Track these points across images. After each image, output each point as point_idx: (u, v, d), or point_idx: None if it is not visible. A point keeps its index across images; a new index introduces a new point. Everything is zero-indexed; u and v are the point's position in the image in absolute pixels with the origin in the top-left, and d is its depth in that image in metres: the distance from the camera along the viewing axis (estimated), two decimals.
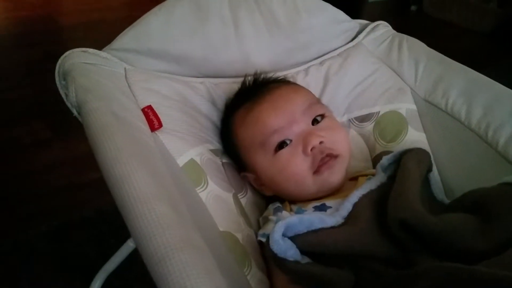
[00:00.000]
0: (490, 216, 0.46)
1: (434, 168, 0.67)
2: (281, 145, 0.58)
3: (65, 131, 1.46)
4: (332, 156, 0.58)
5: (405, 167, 0.54)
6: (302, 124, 0.59)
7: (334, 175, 0.58)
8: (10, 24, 2.27)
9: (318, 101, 0.65)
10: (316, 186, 0.58)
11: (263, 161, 0.59)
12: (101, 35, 2.21)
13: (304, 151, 0.57)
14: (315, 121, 0.60)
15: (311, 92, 0.68)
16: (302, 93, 0.64)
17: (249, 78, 0.68)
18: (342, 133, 0.63)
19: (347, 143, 0.62)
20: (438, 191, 0.59)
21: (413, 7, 3.14)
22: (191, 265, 0.34)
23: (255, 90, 0.64)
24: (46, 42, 2.10)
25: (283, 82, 0.68)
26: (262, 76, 0.68)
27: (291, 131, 0.58)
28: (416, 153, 0.58)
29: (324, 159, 0.57)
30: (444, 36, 2.73)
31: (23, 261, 1.02)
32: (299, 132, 0.58)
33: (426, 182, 0.58)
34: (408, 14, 3.13)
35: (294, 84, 0.69)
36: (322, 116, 0.61)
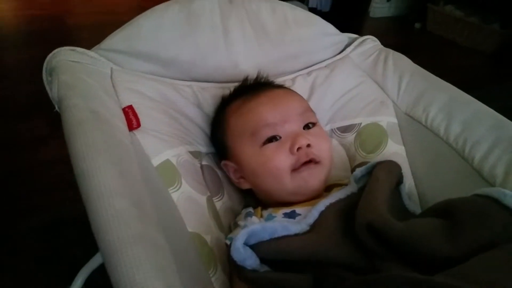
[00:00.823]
0: (457, 223, 0.46)
1: (410, 180, 0.68)
2: (270, 139, 0.60)
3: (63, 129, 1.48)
4: (314, 161, 0.59)
5: (375, 177, 0.55)
6: (294, 126, 0.61)
7: (313, 178, 0.59)
8: (19, 22, 2.31)
9: (312, 110, 0.67)
10: (293, 185, 0.58)
11: (249, 151, 0.61)
12: (105, 37, 2.25)
13: (291, 149, 0.58)
14: (306, 127, 0.62)
15: (306, 101, 0.70)
16: (299, 99, 0.67)
17: (250, 78, 0.71)
18: (328, 144, 0.65)
19: (330, 154, 0.64)
20: (410, 202, 0.60)
21: (417, 25, 3.16)
22: (143, 260, 0.34)
23: (255, 86, 0.67)
24: (53, 41, 2.14)
25: (282, 86, 0.71)
26: (263, 78, 0.71)
27: (283, 129, 0.60)
28: (387, 164, 0.59)
29: (306, 162, 0.59)
30: (447, 55, 2.74)
31: (9, 255, 1.03)
32: (290, 132, 0.60)
33: (397, 193, 0.59)
34: (411, 31, 3.14)
35: (292, 90, 0.71)
36: (314, 124, 0.63)
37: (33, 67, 1.83)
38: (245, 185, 0.64)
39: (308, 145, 0.59)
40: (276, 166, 0.58)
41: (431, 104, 0.70)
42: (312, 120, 0.63)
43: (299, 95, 0.69)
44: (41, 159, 1.37)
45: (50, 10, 2.51)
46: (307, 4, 2.72)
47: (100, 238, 0.37)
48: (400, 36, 3.03)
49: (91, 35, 2.26)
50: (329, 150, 0.63)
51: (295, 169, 0.58)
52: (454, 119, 0.67)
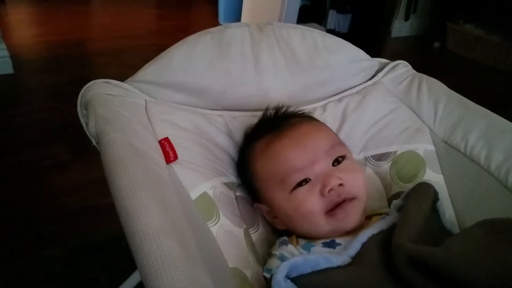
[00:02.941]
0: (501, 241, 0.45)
1: (450, 210, 0.66)
2: (300, 183, 0.57)
3: (86, 155, 1.49)
4: (348, 199, 0.57)
5: (405, 207, 0.55)
6: (323, 164, 0.58)
7: (349, 217, 0.57)
8: (41, 48, 2.37)
9: (339, 141, 0.65)
10: (330, 227, 0.57)
11: (280, 197, 0.59)
12: (126, 61, 2.30)
13: (322, 192, 0.56)
14: (336, 162, 0.60)
15: (332, 131, 0.67)
16: (325, 132, 0.64)
17: (270, 110, 0.68)
18: (361, 176, 0.62)
19: (364, 186, 0.61)
20: (447, 220, 0.59)
21: (436, 44, 3.15)
22: None
23: (277, 122, 0.64)
24: (74, 66, 2.19)
25: (305, 118, 0.68)
26: (284, 108, 0.69)
27: (312, 171, 0.57)
28: (417, 188, 0.59)
29: (339, 202, 0.56)
30: (467, 74, 2.72)
31: (36, 283, 1.02)
32: (319, 172, 0.57)
33: (434, 214, 0.58)
34: (431, 51, 3.13)
35: (316, 121, 0.68)
36: (343, 157, 0.60)
37: (55, 92, 1.89)
38: (280, 226, 0.62)
39: (340, 184, 0.56)
40: (309, 210, 0.56)
41: (470, 132, 0.68)
42: (341, 154, 0.60)
43: (324, 127, 0.66)
44: (63, 184, 1.38)
45: (71, 36, 2.57)
46: (325, 26, 2.74)
47: (148, 282, 0.35)
48: (419, 56, 3.02)
49: (111, 59, 2.30)
50: (363, 181, 0.61)
51: (330, 213, 0.56)
52: (495, 147, 0.65)
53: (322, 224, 0.56)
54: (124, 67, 2.23)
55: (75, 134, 1.55)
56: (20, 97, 1.86)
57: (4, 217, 1.23)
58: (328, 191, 0.56)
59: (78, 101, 0.60)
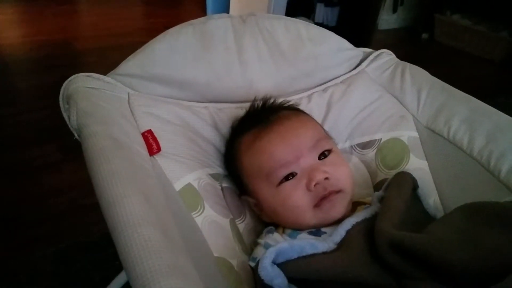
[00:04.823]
0: (481, 225, 0.46)
1: (435, 195, 0.67)
2: (287, 177, 0.57)
3: (75, 155, 1.48)
4: (335, 192, 0.57)
5: (386, 196, 0.56)
6: (309, 159, 0.58)
7: (335, 209, 0.57)
8: (28, 48, 2.35)
9: (325, 135, 0.65)
10: (316, 219, 0.57)
11: (266, 191, 0.59)
12: (114, 60, 2.27)
13: (308, 186, 0.56)
14: (322, 155, 0.60)
15: (319, 125, 0.67)
16: (311, 127, 0.63)
17: (258, 102, 0.68)
18: (347, 169, 0.62)
19: (350, 179, 0.61)
20: (430, 205, 0.61)
21: (424, 35, 3.17)
22: None
23: (264, 115, 0.64)
24: (62, 66, 2.17)
25: (292, 111, 0.67)
26: (271, 100, 0.69)
27: (298, 165, 0.57)
28: (396, 178, 0.60)
29: (325, 195, 0.56)
30: (456, 64, 2.73)
31: (28, 283, 1.02)
32: (305, 167, 0.57)
33: (415, 200, 0.59)
34: (419, 42, 3.15)
35: (303, 114, 0.68)
36: (329, 151, 0.60)
37: (43, 92, 1.88)
38: (267, 219, 0.63)
39: (326, 178, 0.56)
40: (295, 204, 0.57)
41: (453, 117, 0.69)
42: (327, 147, 0.60)
43: (310, 121, 0.66)
44: (53, 184, 1.37)
45: (58, 35, 2.55)
46: (313, 19, 2.74)
47: (130, 270, 0.35)
48: (408, 47, 3.03)
49: (99, 58, 2.28)
50: (349, 174, 0.61)
51: (316, 205, 0.56)
52: (477, 131, 0.66)
53: (309, 217, 0.57)
54: (113, 65, 2.18)
55: (64, 134, 1.52)
56: (8, 98, 1.85)
57: None
58: (314, 185, 0.56)
59: (60, 95, 0.60)
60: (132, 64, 0.66)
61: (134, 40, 2.59)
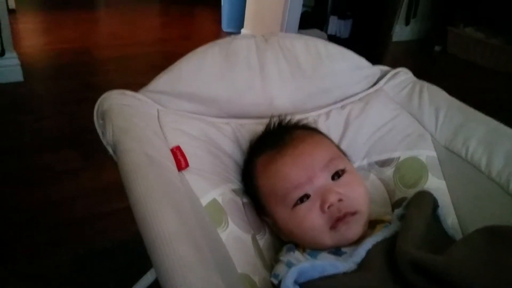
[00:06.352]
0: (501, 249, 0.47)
1: (453, 216, 0.68)
2: (301, 199, 0.58)
3: (94, 161, 1.52)
4: (350, 214, 0.57)
5: (408, 215, 0.56)
6: (321, 179, 0.58)
7: (351, 230, 0.57)
8: (49, 56, 2.41)
9: (339, 154, 0.65)
10: (333, 241, 0.57)
11: (282, 213, 0.60)
12: (132, 68, 2.34)
13: (322, 209, 0.57)
14: (336, 175, 0.60)
15: (333, 145, 0.68)
16: (324, 147, 0.64)
17: (274, 120, 0.70)
18: (362, 189, 0.62)
19: (366, 199, 0.61)
20: (449, 226, 0.61)
21: (437, 47, 3.17)
22: None
23: (279, 135, 0.65)
24: (81, 73, 2.22)
25: (307, 131, 0.68)
26: (286, 120, 0.70)
27: (311, 186, 0.58)
28: (417, 197, 0.61)
29: (341, 217, 0.57)
30: (469, 77, 2.73)
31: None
32: (318, 187, 0.58)
33: (435, 220, 0.59)
34: (432, 54, 3.15)
35: (317, 134, 0.68)
36: (343, 171, 0.60)
37: (64, 99, 1.92)
38: (286, 238, 0.63)
39: (340, 200, 0.57)
40: (311, 227, 0.57)
41: (471, 138, 0.70)
42: (340, 167, 0.60)
43: (323, 140, 0.66)
44: (71, 191, 1.40)
45: (78, 43, 2.61)
46: (326, 31, 2.77)
47: (165, 284, 0.38)
48: (420, 60, 3.04)
49: (117, 66, 2.33)
50: (364, 194, 0.61)
51: (332, 227, 0.57)
52: (495, 152, 0.67)
53: (326, 239, 0.57)
54: (130, 74, 2.26)
55: (84, 140, 1.59)
56: (30, 104, 1.90)
57: (14, 222, 1.25)
58: (328, 207, 0.56)
59: (95, 111, 0.63)
60: (162, 82, 0.69)
61: (151, 49, 2.64)
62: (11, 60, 2.00)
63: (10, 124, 1.73)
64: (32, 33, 2.74)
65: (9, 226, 1.24)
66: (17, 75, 2.02)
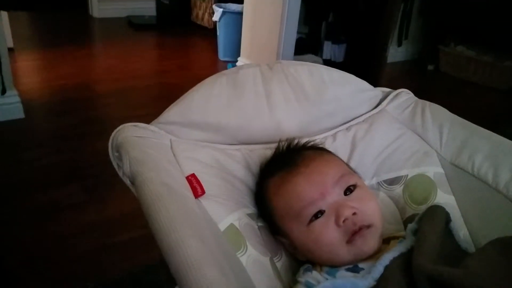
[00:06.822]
0: None
1: (464, 230, 0.69)
2: (316, 215, 0.59)
3: (98, 195, 1.53)
4: (365, 227, 0.58)
5: (421, 230, 0.57)
6: (334, 195, 0.60)
7: (368, 244, 0.58)
8: (49, 92, 2.44)
9: (349, 171, 0.67)
10: (350, 256, 0.58)
11: (298, 231, 0.61)
12: (132, 101, 2.37)
13: (337, 223, 0.58)
14: (348, 191, 0.62)
15: (343, 163, 0.70)
16: (334, 165, 0.66)
17: (283, 143, 0.72)
18: (374, 203, 0.64)
19: (379, 213, 0.63)
20: (462, 239, 0.62)
21: (430, 67, 3.24)
22: None
23: (289, 157, 0.67)
24: (82, 108, 2.25)
25: (316, 151, 0.70)
26: (294, 142, 0.72)
27: (324, 202, 0.60)
28: (429, 212, 0.62)
29: (356, 230, 0.58)
30: (462, 94, 2.78)
31: None
32: (332, 203, 0.59)
33: (448, 233, 0.61)
34: (425, 74, 3.22)
35: (327, 153, 0.71)
36: (354, 186, 0.62)
37: (65, 134, 1.94)
38: (302, 257, 0.64)
39: (354, 213, 0.58)
40: (328, 242, 0.58)
41: (476, 153, 0.72)
42: (352, 183, 0.62)
43: (333, 158, 0.69)
44: (78, 224, 1.41)
45: (77, 79, 2.65)
46: (321, 56, 2.83)
47: None
48: (414, 79, 3.10)
49: (118, 100, 2.37)
50: (377, 208, 0.63)
51: (349, 241, 0.58)
52: (501, 165, 0.68)
53: (343, 253, 0.58)
54: (131, 106, 2.30)
55: (86, 174, 1.60)
56: (32, 141, 1.92)
57: (23, 259, 1.25)
58: (343, 221, 0.58)
59: (109, 144, 0.64)
60: (173, 113, 0.71)
61: (150, 81, 2.68)
62: (12, 97, 2.03)
63: (12, 162, 1.75)
64: (31, 71, 2.79)
65: (21, 262, 1.24)
66: (18, 112, 2.05)
